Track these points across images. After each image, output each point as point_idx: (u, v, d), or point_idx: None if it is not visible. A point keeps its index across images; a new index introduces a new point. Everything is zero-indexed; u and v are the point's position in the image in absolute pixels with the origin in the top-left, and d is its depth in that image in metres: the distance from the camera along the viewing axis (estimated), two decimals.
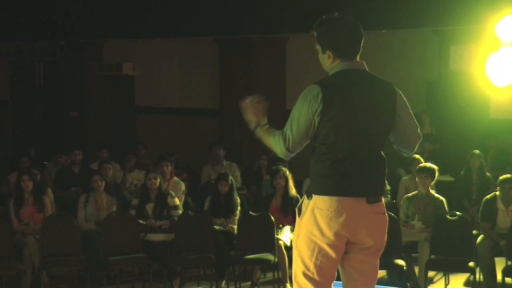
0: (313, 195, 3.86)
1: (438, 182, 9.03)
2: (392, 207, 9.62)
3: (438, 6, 10.41)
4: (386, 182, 9.83)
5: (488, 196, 8.57)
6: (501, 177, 8.58)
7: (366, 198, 3.84)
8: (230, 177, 9.14)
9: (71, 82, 14.73)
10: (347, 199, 3.80)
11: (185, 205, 9.62)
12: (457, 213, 8.41)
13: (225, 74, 13.30)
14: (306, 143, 3.88)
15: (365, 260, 3.94)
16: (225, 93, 13.30)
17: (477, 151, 10.17)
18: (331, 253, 3.84)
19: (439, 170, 8.79)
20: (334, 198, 3.79)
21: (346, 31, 3.93)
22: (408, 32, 11.96)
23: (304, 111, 3.80)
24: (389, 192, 9.93)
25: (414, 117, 4.07)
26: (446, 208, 8.53)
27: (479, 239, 8.28)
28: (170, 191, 9.13)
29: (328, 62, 3.94)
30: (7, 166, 12.40)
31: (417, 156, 10.03)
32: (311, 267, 3.87)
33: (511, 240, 8.08)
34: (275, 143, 3.92)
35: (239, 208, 9.03)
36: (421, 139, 4.12)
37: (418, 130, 4.11)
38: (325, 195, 3.81)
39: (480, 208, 8.56)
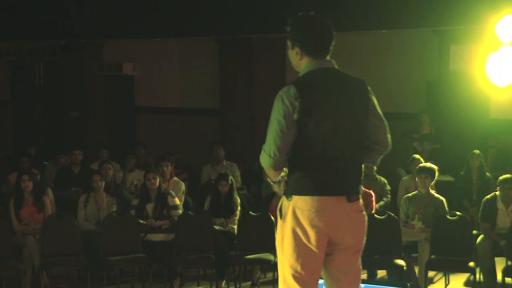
0: (292, 196, 3.84)
1: (438, 182, 9.02)
2: (392, 207, 9.63)
3: (438, 6, 10.41)
4: (387, 182, 9.69)
5: (488, 196, 8.57)
6: (501, 177, 8.58)
7: (347, 197, 3.84)
8: (230, 177, 9.14)
9: (71, 82, 14.74)
10: (329, 198, 3.80)
11: (185, 205, 9.62)
12: (457, 213, 8.41)
13: (225, 74, 13.30)
14: (290, 144, 3.79)
15: (348, 260, 3.94)
16: (225, 93, 13.31)
17: (477, 151, 10.17)
18: (316, 251, 3.84)
19: (439, 170, 8.79)
20: (315, 198, 3.79)
21: (316, 30, 3.89)
22: (408, 32, 11.96)
23: (283, 112, 3.76)
24: (389, 192, 9.93)
25: (383, 117, 3.97)
26: (446, 208, 8.53)
27: (479, 239, 8.28)
28: (170, 191, 9.13)
29: (296, 59, 3.92)
30: (7, 166, 12.40)
31: (417, 156, 10.05)
32: (299, 268, 3.85)
33: (511, 240, 8.08)
34: (261, 157, 3.89)
35: (239, 208, 9.03)
36: (389, 145, 3.99)
37: (388, 133, 3.99)
38: (306, 195, 3.80)
39: (480, 208, 8.56)
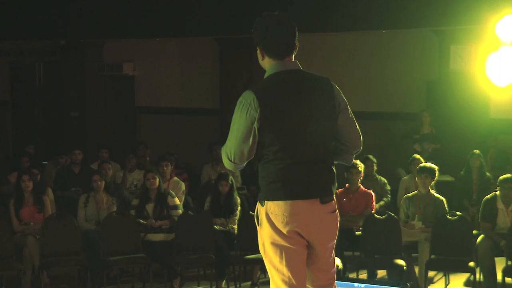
0: (265, 201, 3.82)
1: (438, 182, 9.03)
2: (392, 207, 9.63)
3: (438, 6, 10.42)
4: (387, 182, 9.72)
5: (488, 196, 8.57)
6: (501, 177, 8.57)
7: (320, 199, 3.81)
8: (231, 177, 9.14)
9: (71, 82, 14.73)
10: (301, 202, 3.77)
11: (185, 205, 9.62)
12: (457, 213, 8.41)
13: (225, 74, 13.31)
14: (253, 152, 3.77)
15: (325, 260, 3.95)
16: (225, 93, 13.31)
17: (477, 151, 10.17)
18: (298, 251, 3.84)
19: (439, 170, 8.79)
20: (287, 202, 3.76)
21: (274, 31, 3.77)
22: (408, 32, 11.96)
23: (242, 120, 3.72)
24: (389, 192, 9.93)
25: (351, 113, 3.88)
26: (446, 208, 8.53)
27: (479, 239, 8.28)
28: (170, 191, 9.13)
29: (260, 59, 3.87)
30: (7, 166, 12.40)
31: (417, 156, 10.05)
32: (285, 271, 3.84)
33: (511, 240, 8.08)
34: (223, 157, 3.88)
35: (239, 208, 9.04)
36: (360, 144, 3.93)
37: (359, 132, 3.91)
38: (278, 201, 3.78)
39: (480, 208, 8.56)
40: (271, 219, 3.81)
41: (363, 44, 12.64)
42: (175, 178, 10.02)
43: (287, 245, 3.81)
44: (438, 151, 11.39)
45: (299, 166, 3.76)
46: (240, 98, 3.76)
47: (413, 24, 10.98)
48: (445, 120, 11.49)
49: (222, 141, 3.79)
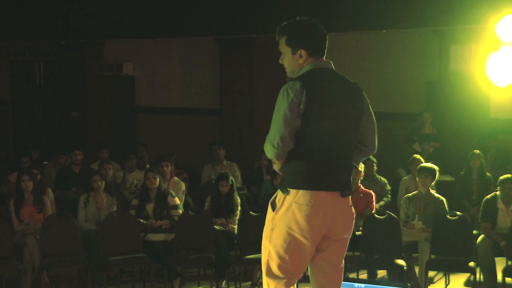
0: (290, 190, 3.94)
1: (438, 182, 9.02)
2: (392, 207, 9.63)
3: (438, 6, 10.41)
4: (387, 182, 9.72)
5: (488, 196, 8.57)
6: (501, 177, 8.58)
7: (341, 192, 3.98)
8: (231, 177, 9.14)
9: (71, 82, 14.74)
10: (324, 193, 3.93)
11: (186, 205, 9.62)
12: (457, 213, 8.41)
13: (225, 74, 13.30)
14: (294, 137, 3.89)
15: (337, 252, 4.11)
16: (225, 93, 13.31)
17: (477, 151, 10.16)
18: (307, 246, 3.97)
19: (439, 170, 8.79)
20: (312, 192, 3.90)
21: (317, 30, 4.05)
22: (408, 32, 11.97)
23: (286, 104, 3.86)
24: (389, 192, 9.93)
25: (374, 118, 4.14)
26: (446, 208, 8.53)
27: (479, 239, 8.28)
28: (170, 191, 9.13)
29: (299, 62, 4.02)
30: (7, 166, 12.40)
31: (417, 156, 10.05)
32: (286, 258, 3.98)
33: (511, 240, 8.08)
34: (265, 147, 3.99)
35: (239, 208, 9.04)
36: (376, 148, 4.17)
37: (376, 136, 4.15)
38: (303, 190, 3.91)
39: (481, 208, 8.56)
40: (293, 209, 3.92)
41: (363, 44, 12.64)
42: (175, 178, 10.02)
43: (301, 239, 3.94)
44: (438, 151, 11.39)
45: (327, 159, 3.93)
46: (285, 86, 3.92)
47: (413, 24, 10.98)
48: (445, 120, 11.48)
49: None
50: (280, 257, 3.99)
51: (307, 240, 3.93)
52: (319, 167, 3.91)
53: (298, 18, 4.09)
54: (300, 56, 4.01)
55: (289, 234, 3.94)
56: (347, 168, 4.04)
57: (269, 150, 3.97)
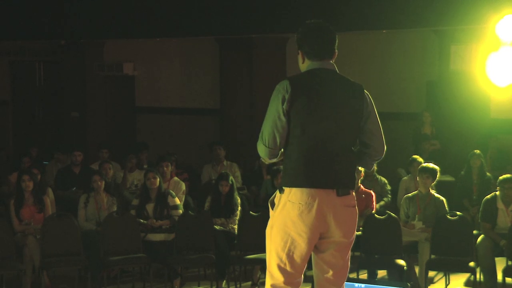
0: (284, 188, 3.99)
1: (438, 182, 9.02)
2: (392, 207, 9.63)
3: (438, 6, 10.40)
4: (387, 182, 9.73)
5: (488, 196, 8.57)
6: (501, 177, 8.58)
7: (336, 190, 3.97)
8: (231, 177, 9.15)
9: (71, 82, 14.73)
10: (317, 190, 3.94)
11: (186, 205, 9.62)
12: (457, 213, 8.41)
13: (225, 74, 13.30)
14: (284, 136, 3.96)
15: (336, 254, 4.08)
16: (225, 93, 13.30)
17: (477, 151, 10.16)
18: (303, 244, 3.98)
19: (439, 171, 8.79)
20: (305, 190, 3.93)
21: (315, 35, 4.09)
22: (408, 32, 11.96)
23: (274, 103, 3.96)
24: (389, 192, 9.93)
25: (379, 121, 4.13)
26: (446, 208, 8.54)
27: (479, 239, 8.28)
28: (171, 191, 9.13)
29: (301, 63, 4.16)
30: (7, 166, 12.40)
31: (417, 156, 10.05)
32: (284, 257, 4.00)
33: (511, 240, 8.08)
34: (258, 146, 4.05)
35: (239, 208, 9.04)
36: (383, 152, 4.15)
37: (382, 136, 4.15)
38: (295, 187, 3.94)
39: (481, 208, 8.56)
40: (287, 207, 3.96)
41: (363, 44, 12.64)
42: (176, 178, 10.02)
43: (296, 236, 3.96)
44: (438, 151, 11.39)
45: (319, 156, 3.95)
46: (276, 86, 4.02)
47: (413, 24, 10.97)
48: (445, 120, 11.48)
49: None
50: (279, 256, 4.02)
51: (302, 238, 3.95)
52: (310, 165, 3.94)
53: (308, 21, 4.17)
54: (302, 57, 4.13)
55: (285, 233, 3.98)
56: (343, 167, 4.00)
57: (261, 149, 4.03)
